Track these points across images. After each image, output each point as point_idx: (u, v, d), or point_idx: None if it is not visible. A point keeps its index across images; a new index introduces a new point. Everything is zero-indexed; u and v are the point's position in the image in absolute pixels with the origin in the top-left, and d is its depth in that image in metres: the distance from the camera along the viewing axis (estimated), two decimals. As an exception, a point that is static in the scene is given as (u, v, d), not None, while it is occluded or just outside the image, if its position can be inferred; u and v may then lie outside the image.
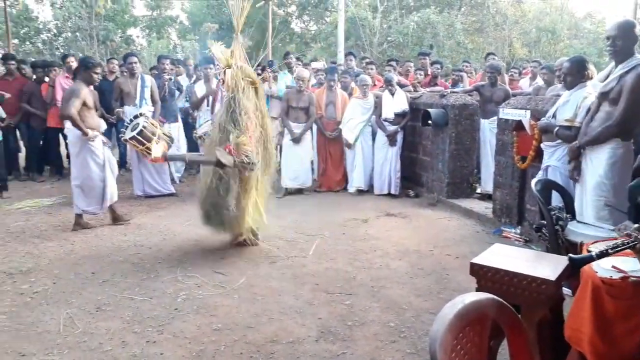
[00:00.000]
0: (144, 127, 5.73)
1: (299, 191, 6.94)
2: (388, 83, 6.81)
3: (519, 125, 4.98)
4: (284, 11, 21.27)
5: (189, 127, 7.46)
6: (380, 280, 3.89)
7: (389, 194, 6.79)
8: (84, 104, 5.05)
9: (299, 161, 6.88)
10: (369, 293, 3.66)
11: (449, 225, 5.47)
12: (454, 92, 6.64)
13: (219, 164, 4.06)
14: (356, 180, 6.92)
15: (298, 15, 22.83)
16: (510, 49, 19.79)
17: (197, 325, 3.18)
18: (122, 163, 8.41)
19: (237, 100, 4.21)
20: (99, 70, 5.49)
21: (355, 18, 18.15)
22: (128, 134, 5.83)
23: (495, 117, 5.70)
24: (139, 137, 5.73)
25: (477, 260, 2.46)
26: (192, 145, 7.29)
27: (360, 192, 6.92)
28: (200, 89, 6.98)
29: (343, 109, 7.03)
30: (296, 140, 6.82)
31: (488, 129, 6.32)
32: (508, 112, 5.25)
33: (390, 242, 4.80)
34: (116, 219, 5.39)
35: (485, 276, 2.43)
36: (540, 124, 4.32)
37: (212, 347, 2.93)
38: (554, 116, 4.15)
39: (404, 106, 6.77)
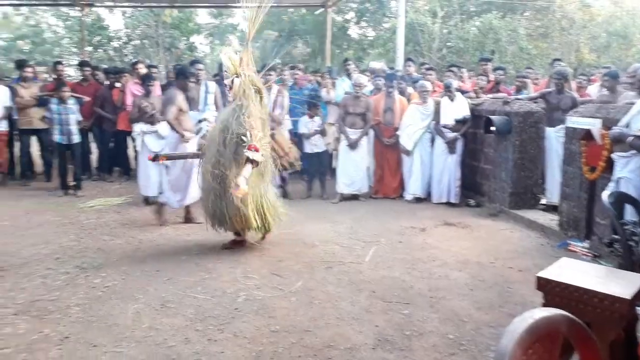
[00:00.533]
0: (207, 131, 5.98)
1: (354, 197, 6.94)
2: (447, 89, 6.71)
3: (588, 135, 4.76)
4: (342, 18, 21.42)
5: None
6: (439, 290, 3.83)
7: (448, 203, 6.67)
8: (180, 109, 5.43)
9: (355, 167, 6.89)
10: (427, 303, 3.61)
11: (512, 236, 5.30)
12: (518, 99, 6.44)
13: (252, 161, 4.30)
14: (413, 188, 6.85)
15: (356, 21, 22.87)
16: (577, 54, 18.96)
17: (256, 326, 3.25)
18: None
19: (244, 107, 4.42)
20: (193, 79, 6.20)
21: (414, 24, 17.99)
22: None
23: (562, 126, 5.49)
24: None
25: (544, 274, 2.38)
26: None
27: (417, 200, 6.83)
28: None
29: (401, 115, 6.98)
30: (352, 146, 6.83)
31: (554, 137, 6.09)
32: (576, 121, 5.04)
33: (450, 252, 4.71)
34: (189, 220, 5.60)
35: (552, 291, 2.34)
36: (612, 133, 4.12)
37: (270, 348, 2.98)
38: (627, 125, 3.94)
39: (464, 112, 6.65)
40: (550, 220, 5.57)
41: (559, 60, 8.47)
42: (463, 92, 7.08)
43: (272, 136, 6.46)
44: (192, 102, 6.88)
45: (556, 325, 1.52)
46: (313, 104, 7.18)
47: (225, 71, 4.54)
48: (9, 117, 7.61)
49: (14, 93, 7.61)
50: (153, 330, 3.18)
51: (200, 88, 6.86)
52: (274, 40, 18.97)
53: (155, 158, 5.02)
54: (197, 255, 4.59)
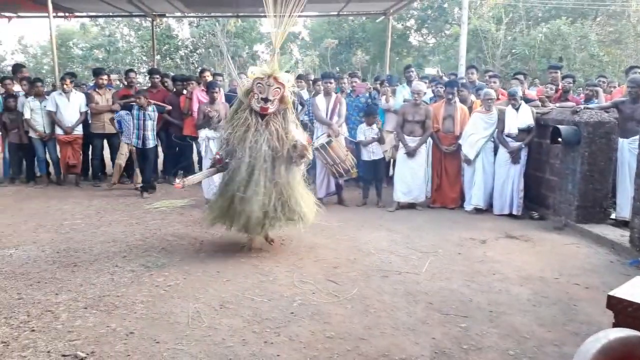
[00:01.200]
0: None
1: (411, 206, 6.85)
2: (512, 97, 6.50)
3: (666, 146, 4.47)
4: (402, 25, 21.29)
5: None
6: (500, 305, 3.70)
7: (510, 215, 6.44)
8: None
9: (412, 175, 6.79)
10: (486, 317, 3.50)
11: (578, 252, 5.05)
12: (588, 108, 6.15)
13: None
14: (475, 198, 6.67)
15: (417, 28, 22.68)
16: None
17: (312, 331, 3.27)
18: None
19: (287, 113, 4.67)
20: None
21: (478, 30, 17.60)
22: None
23: (637, 137, 5.19)
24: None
25: (617, 292, 2.25)
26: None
27: (477, 211, 6.64)
28: (320, 102, 7.20)
29: (462, 123, 6.84)
30: (410, 154, 6.75)
31: (627, 149, 5.77)
32: (653, 132, 4.74)
33: (511, 266, 4.55)
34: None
35: (624, 311, 2.21)
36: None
37: (325, 354, 2.99)
38: None
39: (528, 121, 6.42)
40: (620, 236, 5.26)
41: (636, 67, 7.99)
42: (528, 100, 6.84)
43: (329, 143, 6.54)
44: None
45: (632, 346, 1.44)
46: (370, 112, 7.16)
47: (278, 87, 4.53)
48: (84, 122, 8.12)
49: (89, 99, 8.12)
50: (212, 329, 3.27)
51: None
52: (333, 48, 19.11)
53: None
54: (256, 258, 4.68)
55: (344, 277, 4.24)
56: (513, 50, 18.11)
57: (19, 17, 12.34)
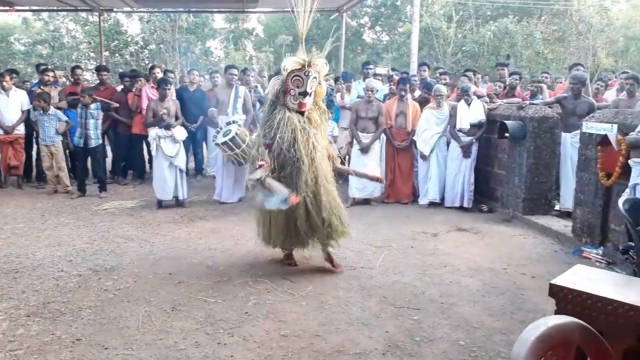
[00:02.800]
0: (237, 134, 6.09)
1: (365, 201, 6.91)
2: (465, 93, 6.66)
3: (604, 140, 4.70)
4: (356, 22, 21.44)
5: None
6: (451, 297, 3.79)
7: (461, 208, 6.61)
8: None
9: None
10: (438, 309, 3.57)
11: (525, 242, 5.24)
12: (533, 104, 6.38)
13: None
14: (431, 192, 6.80)
15: (370, 26, 22.90)
16: (595, 59, 18.74)
17: (266, 330, 3.24)
18: (199, 169, 8.79)
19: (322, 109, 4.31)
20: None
21: (429, 28, 17.94)
22: (220, 139, 6.24)
23: (578, 131, 5.42)
24: (230, 143, 6.12)
25: (558, 281, 2.34)
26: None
27: (430, 204, 6.79)
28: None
29: (414, 119, 6.95)
30: (364, 150, 6.81)
31: (570, 143, 6.02)
32: (592, 126, 4.97)
33: (462, 258, 4.67)
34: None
35: (565, 299, 2.30)
36: (629, 139, 4.05)
37: (280, 352, 2.97)
38: (645, 131, 3.87)
39: (480, 117, 6.60)
40: (564, 226, 5.50)
41: (579, 64, 8.34)
42: (478, 96, 7.03)
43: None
44: (221, 106, 7.02)
45: (570, 333, 1.49)
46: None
47: (315, 78, 4.01)
48: (27, 121, 7.74)
49: (32, 97, 7.75)
50: (163, 333, 3.20)
51: (231, 92, 7.00)
52: (288, 44, 19.04)
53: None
54: (209, 258, 4.60)
55: (299, 274, 4.23)
56: (463, 48, 18.57)
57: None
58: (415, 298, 3.76)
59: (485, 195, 6.86)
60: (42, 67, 8.41)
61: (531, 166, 6.02)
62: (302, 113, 4.03)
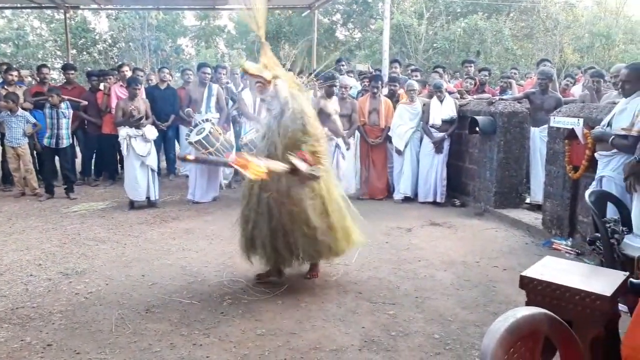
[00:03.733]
0: (210, 132, 6.02)
1: (341, 198, 6.93)
2: (437, 89, 6.74)
3: (571, 134, 4.82)
4: (328, 19, 21.45)
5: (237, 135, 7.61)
6: (425, 290, 3.84)
7: (434, 202, 6.70)
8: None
9: (341, 168, 6.88)
10: (413, 303, 3.61)
11: (497, 236, 5.34)
12: (502, 100, 6.50)
13: (293, 170, 3.50)
14: (403, 187, 6.87)
15: (343, 23, 22.94)
16: (562, 54, 19.19)
17: (242, 329, 3.23)
18: (172, 169, 8.68)
19: (298, 108, 3.64)
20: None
21: (401, 25, 18.07)
22: (193, 138, 6.17)
23: (546, 126, 5.54)
24: (203, 142, 6.05)
25: (527, 273, 2.39)
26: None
27: (404, 200, 6.86)
28: (247, 97, 7.11)
29: (387, 116, 7.00)
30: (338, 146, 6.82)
31: (538, 137, 6.16)
32: (560, 120, 5.09)
33: (435, 253, 4.73)
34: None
35: (535, 290, 2.36)
36: (595, 132, 4.16)
37: (256, 352, 2.96)
38: (609, 125, 3.99)
39: (452, 113, 6.69)
40: (534, 219, 5.63)
41: (547, 60, 8.54)
42: (449, 93, 7.12)
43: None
44: (194, 104, 6.94)
45: (538, 324, 1.52)
46: None
47: (259, 82, 3.71)
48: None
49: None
50: (138, 335, 3.15)
51: (204, 90, 6.93)
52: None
53: (184, 159, 4.46)
54: (183, 259, 4.55)
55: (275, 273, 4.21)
56: (434, 45, 18.78)
57: None
58: (391, 293, 3.80)
59: (457, 190, 6.97)
60: (6, 67, 8.14)
61: (501, 160, 6.13)
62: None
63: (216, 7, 12.84)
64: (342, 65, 8.41)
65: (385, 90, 7.49)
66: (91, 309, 3.52)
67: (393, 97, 7.31)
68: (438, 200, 6.71)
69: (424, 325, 3.29)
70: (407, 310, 3.51)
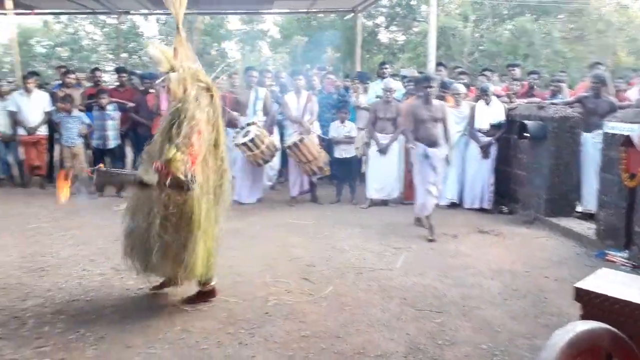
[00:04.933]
0: (256, 135, 6.15)
1: (384, 202, 6.90)
2: (484, 92, 6.61)
3: (627, 141, 4.62)
4: (371, 22, 21.38)
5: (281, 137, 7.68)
6: (472, 299, 3.76)
7: (481, 209, 6.56)
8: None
9: (385, 172, 6.84)
10: (460, 312, 3.55)
11: (547, 245, 5.18)
12: (553, 104, 6.30)
13: (140, 183, 3.25)
14: (449, 192, 6.76)
15: (386, 25, 22.80)
16: (614, 57, 18.44)
17: (287, 330, 3.25)
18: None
19: (184, 110, 3.26)
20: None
21: (446, 28, 17.81)
22: (240, 140, 6.31)
23: (600, 131, 5.34)
24: (249, 144, 6.18)
25: (583, 284, 2.30)
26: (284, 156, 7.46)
27: (450, 205, 6.74)
28: (291, 100, 7.17)
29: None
30: (383, 151, 6.79)
31: (591, 143, 5.93)
32: (615, 126, 4.90)
33: (483, 260, 4.63)
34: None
35: (591, 303, 2.27)
36: (654, 139, 3.98)
37: (301, 353, 2.98)
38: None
39: (500, 117, 6.55)
40: (587, 228, 5.42)
41: (599, 63, 8.22)
42: (497, 96, 6.97)
43: (301, 141, 6.53)
44: (241, 107, 7.06)
45: (598, 339, 1.47)
46: (340, 109, 7.21)
47: (158, 69, 3.44)
48: (49, 122, 7.88)
49: (55, 99, 7.88)
50: (185, 332, 3.22)
51: (250, 93, 7.04)
52: (303, 45, 19.07)
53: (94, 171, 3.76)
54: (229, 258, 4.61)
55: (319, 275, 4.23)
56: (480, 47, 18.43)
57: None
58: (437, 300, 3.74)
59: (505, 197, 6.80)
60: (64, 70, 8.54)
61: (552, 167, 5.95)
62: None
63: (260, 11, 13.03)
64: (386, 69, 8.35)
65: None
66: (141, 304, 3.63)
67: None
68: (485, 206, 6.57)
69: (471, 334, 3.23)
70: (453, 318, 3.45)
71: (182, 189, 3.23)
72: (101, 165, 3.81)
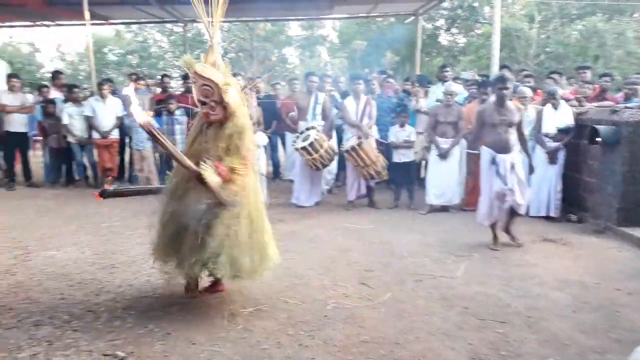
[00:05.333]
0: (315, 139, 6.26)
1: (444, 209, 6.77)
2: (551, 96, 6.35)
3: None
4: (432, 25, 21.08)
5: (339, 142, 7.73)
6: (538, 310, 3.62)
7: (547, 217, 6.30)
8: None
9: (445, 177, 6.71)
10: (524, 323, 3.42)
11: (619, 256, 4.89)
12: (627, 108, 5.96)
13: (198, 177, 3.25)
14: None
15: (447, 28, 22.40)
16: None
17: (346, 334, 3.26)
18: (276, 173, 9.01)
19: (242, 125, 3.43)
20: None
21: (510, 29, 17.27)
22: (299, 144, 6.44)
23: (681, 137, 4.99)
24: (308, 148, 6.30)
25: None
26: (342, 159, 7.50)
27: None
28: (350, 105, 7.19)
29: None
30: (443, 155, 6.66)
31: (670, 149, 5.56)
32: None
33: (549, 271, 4.44)
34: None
35: (673, 319, 2.13)
36: None
37: (360, 358, 2.97)
38: None
39: (568, 121, 6.27)
40: (665, 240, 5.08)
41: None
42: (565, 100, 6.68)
43: (359, 145, 6.53)
44: (301, 112, 7.20)
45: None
46: (399, 113, 7.16)
47: (206, 85, 3.45)
48: (120, 126, 8.32)
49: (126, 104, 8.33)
50: (247, 331, 3.30)
51: (310, 98, 7.16)
52: (362, 50, 19.07)
53: (102, 194, 3.94)
54: (287, 260, 4.67)
55: (377, 280, 4.21)
56: (546, 49, 17.72)
57: (57, 25, 12.76)
58: (500, 310, 3.63)
59: (573, 205, 6.48)
60: (135, 76, 9.00)
61: (626, 174, 5.62)
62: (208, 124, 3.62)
63: (321, 17, 13.16)
64: (447, 72, 8.21)
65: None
66: (204, 303, 3.75)
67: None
68: (552, 214, 6.30)
69: (537, 347, 3.10)
70: (518, 329, 3.33)
71: (224, 204, 3.32)
72: (106, 185, 3.94)
